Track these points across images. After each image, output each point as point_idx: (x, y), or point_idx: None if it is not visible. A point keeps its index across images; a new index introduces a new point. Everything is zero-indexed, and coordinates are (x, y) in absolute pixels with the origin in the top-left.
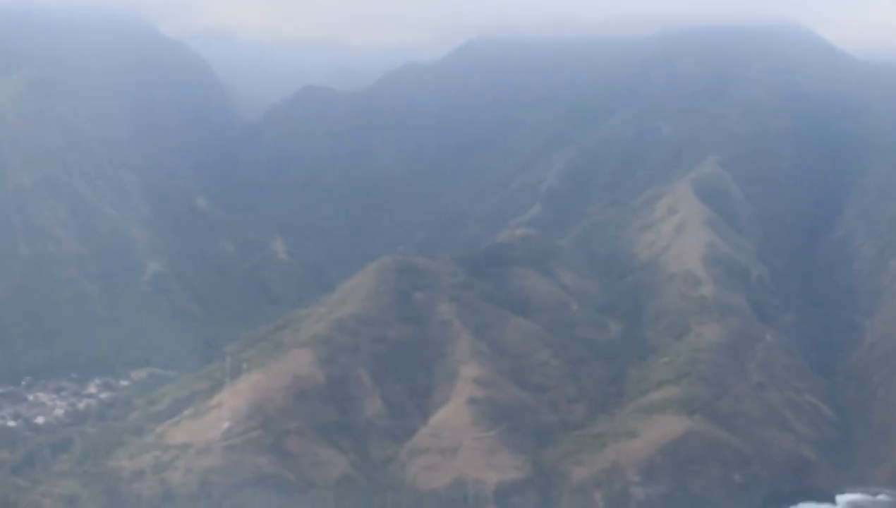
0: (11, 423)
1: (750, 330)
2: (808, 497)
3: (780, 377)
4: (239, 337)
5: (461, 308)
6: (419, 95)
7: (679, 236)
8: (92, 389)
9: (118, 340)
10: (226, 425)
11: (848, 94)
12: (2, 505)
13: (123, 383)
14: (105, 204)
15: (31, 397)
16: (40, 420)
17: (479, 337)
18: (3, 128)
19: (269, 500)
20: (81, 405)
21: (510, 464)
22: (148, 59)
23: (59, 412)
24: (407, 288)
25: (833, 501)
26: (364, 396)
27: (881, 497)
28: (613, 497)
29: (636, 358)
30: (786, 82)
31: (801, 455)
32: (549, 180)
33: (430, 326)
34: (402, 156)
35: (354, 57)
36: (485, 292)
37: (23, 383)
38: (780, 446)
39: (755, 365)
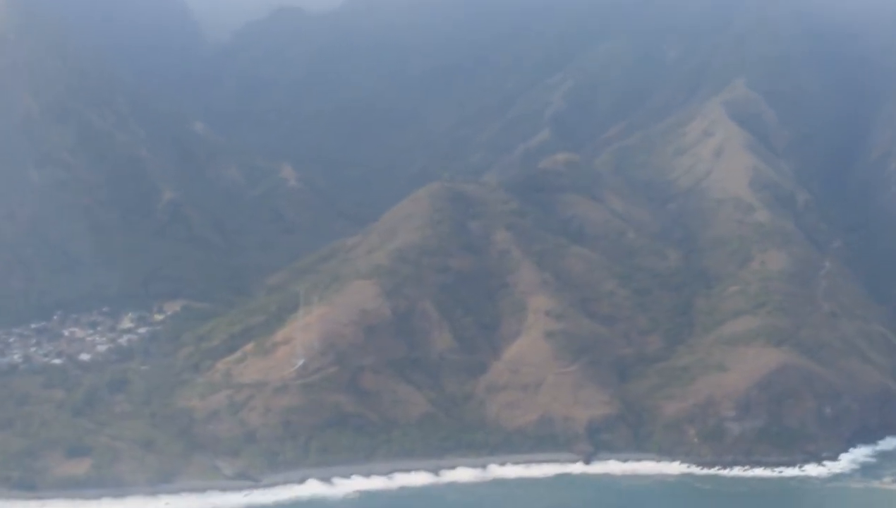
0: (56, 361)
1: (810, 257)
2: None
3: (847, 306)
4: (263, 266)
5: (518, 236)
6: (395, 15)
7: (719, 160)
8: (127, 323)
9: (143, 271)
10: (300, 362)
11: (866, 13)
12: (74, 450)
13: (158, 316)
14: (112, 129)
15: (66, 332)
16: (85, 357)
17: (541, 266)
18: (4, 52)
19: (354, 441)
20: (123, 340)
21: (597, 400)
22: None
23: (101, 348)
24: (461, 216)
25: None
26: (432, 330)
27: None
28: (707, 433)
29: (701, 286)
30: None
31: (887, 388)
32: (555, 104)
33: (489, 256)
34: (383, 79)
35: None
36: (539, 220)
37: (54, 317)
38: (865, 378)
39: (822, 294)
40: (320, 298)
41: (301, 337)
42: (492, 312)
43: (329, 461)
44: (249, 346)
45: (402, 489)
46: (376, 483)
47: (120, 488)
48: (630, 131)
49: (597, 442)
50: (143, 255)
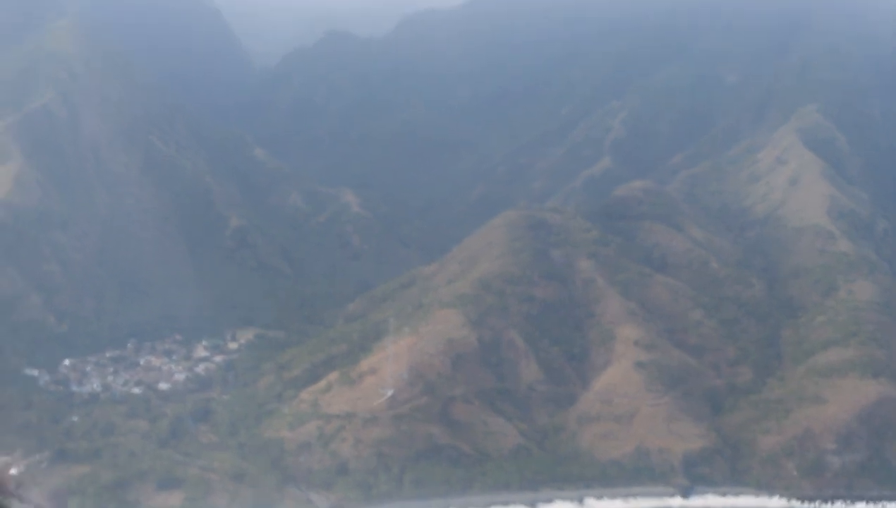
0: (136, 390)
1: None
2: None
3: None
4: (332, 294)
5: (602, 265)
6: (444, 42)
7: (795, 188)
8: (201, 352)
9: (213, 299)
10: (389, 392)
11: None
12: (165, 482)
13: (232, 345)
14: (175, 156)
15: (142, 361)
16: (164, 386)
17: (626, 296)
18: (73, 81)
19: (449, 473)
20: (200, 369)
21: (692, 432)
22: (158, 5)
23: (178, 377)
24: (541, 244)
25: None
26: (519, 360)
27: None
28: (807, 466)
29: (787, 317)
30: (860, 27)
31: None
32: (616, 130)
33: (573, 285)
34: (435, 105)
35: (365, 2)
36: (622, 248)
37: (128, 346)
38: None
39: None
40: (407, 328)
41: (389, 367)
42: (579, 342)
43: (424, 493)
44: (334, 376)
45: None
46: None
47: None
48: (695, 158)
49: (693, 476)
50: (212, 283)
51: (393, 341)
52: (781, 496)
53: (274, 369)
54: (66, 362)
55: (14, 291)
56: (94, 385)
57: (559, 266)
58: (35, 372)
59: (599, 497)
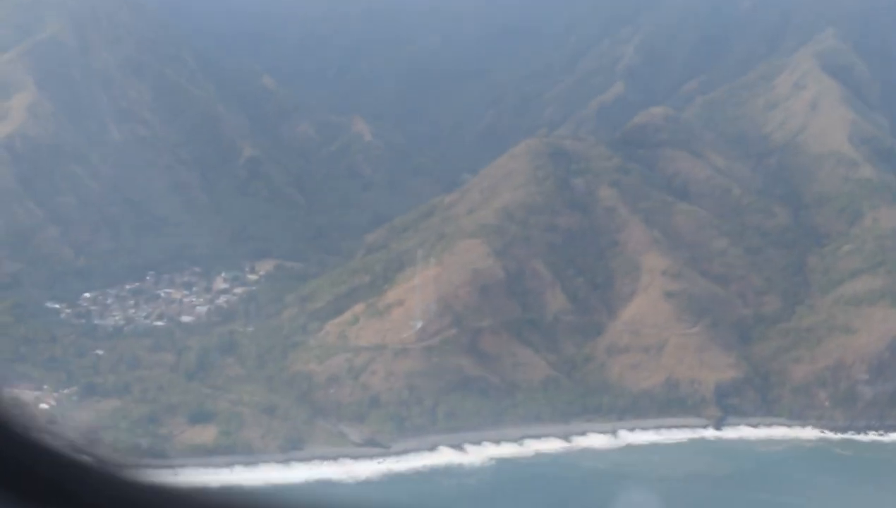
0: (159, 323)
1: None
2: None
3: None
4: (347, 224)
5: (624, 194)
6: None
7: (815, 114)
8: (221, 284)
9: (229, 230)
10: (418, 324)
11: None
12: (196, 416)
13: (252, 276)
14: (186, 84)
15: (161, 293)
16: (187, 319)
17: (649, 224)
18: (79, 5)
19: (480, 405)
20: (221, 301)
21: (723, 362)
22: None
23: (200, 309)
24: (563, 173)
25: None
26: (544, 290)
27: None
28: (839, 396)
29: (812, 245)
30: None
31: None
32: (628, 57)
33: (595, 214)
34: (442, 39)
35: None
36: (643, 176)
37: (147, 278)
38: None
39: None
40: (434, 258)
41: (417, 299)
42: (604, 272)
43: (457, 426)
44: (360, 308)
45: (538, 455)
46: (508, 449)
47: (251, 455)
48: (710, 84)
49: (725, 406)
50: (227, 214)
51: (419, 272)
52: (814, 426)
53: (296, 301)
54: (87, 295)
55: (31, 223)
56: (117, 318)
57: (581, 194)
58: (56, 306)
59: (632, 430)
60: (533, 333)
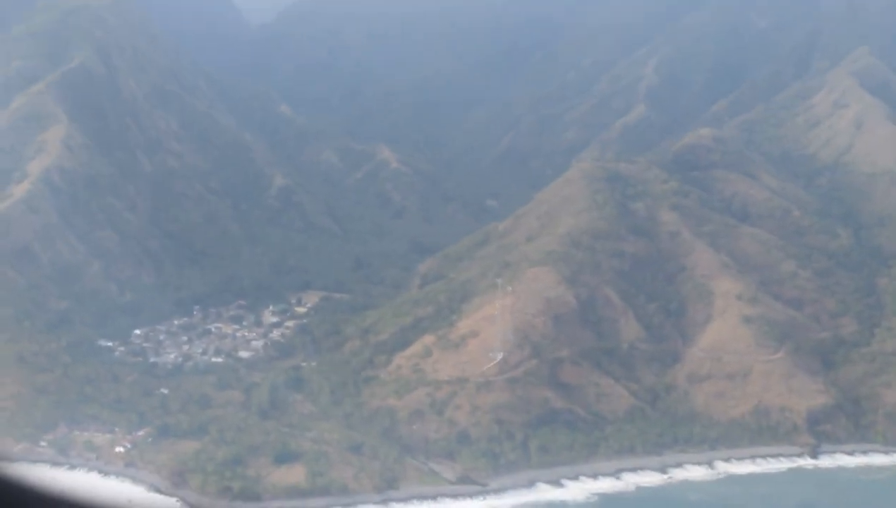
0: (216, 359)
1: None
2: None
3: None
4: (384, 252)
5: (685, 217)
6: None
7: (860, 133)
8: (270, 317)
9: (268, 261)
10: (499, 356)
11: None
12: (281, 456)
13: (300, 309)
14: (210, 112)
15: (212, 328)
16: (244, 354)
17: (716, 248)
18: (107, 33)
19: (572, 439)
20: (275, 335)
21: (811, 388)
22: None
23: (256, 344)
24: (620, 197)
25: None
26: (617, 317)
27: None
28: None
29: (880, 265)
30: None
31: None
32: (648, 78)
33: (659, 238)
34: (449, 59)
35: None
36: (702, 199)
37: (194, 313)
38: None
39: None
40: (510, 287)
41: (496, 330)
42: (675, 297)
43: (551, 461)
44: (429, 339)
45: (639, 489)
46: (607, 484)
47: (346, 496)
48: (738, 105)
49: (817, 434)
50: (264, 245)
51: (493, 302)
52: None
53: (357, 333)
54: (137, 332)
55: (75, 260)
56: (173, 355)
57: (642, 219)
58: (109, 344)
59: (727, 460)
60: (611, 362)
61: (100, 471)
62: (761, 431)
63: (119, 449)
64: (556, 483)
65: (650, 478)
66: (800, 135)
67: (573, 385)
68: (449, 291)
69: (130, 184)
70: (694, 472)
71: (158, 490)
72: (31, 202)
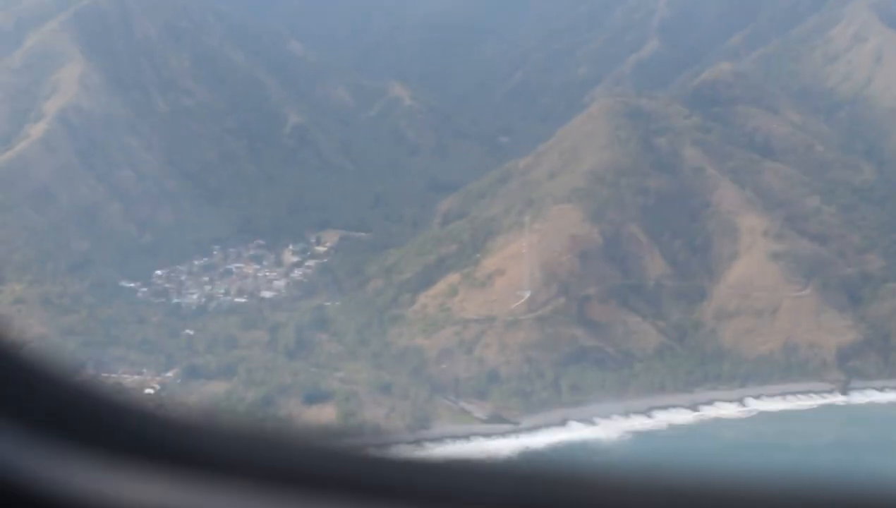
0: (239, 299)
1: None
2: None
3: None
4: (402, 191)
5: (708, 153)
6: None
7: (880, 66)
8: (290, 257)
9: (285, 200)
10: (526, 294)
11: None
12: (311, 397)
13: (319, 248)
14: (223, 50)
15: (233, 268)
16: (267, 294)
17: (740, 184)
18: None
19: (602, 377)
20: (296, 275)
21: (840, 325)
22: None
23: (278, 284)
24: (643, 133)
25: None
26: (643, 255)
27: None
28: None
29: None
30: None
31: None
32: (660, 12)
33: (682, 174)
34: None
35: None
36: (725, 135)
37: (214, 253)
38: None
39: None
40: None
41: (523, 268)
42: (700, 234)
43: (582, 400)
44: (455, 278)
45: (671, 428)
46: (639, 422)
47: (378, 436)
48: (754, 39)
49: (847, 370)
50: (280, 184)
51: (518, 240)
52: None
53: (380, 273)
54: (158, 272)
55: (94, 200)
56: (195, 295)
57: (665, 155)
58: (131, 285)
59: (758, 397)
60: (638, 300)
61: None
62: (791, 368)
63: (148, 391)
64: (589, 421)
65: (682, 416)
66: (818, 69)
67: (601, 323)
68: (472, 229)
69: (146, 123)
70: (725, 410)
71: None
72: (48, 142)
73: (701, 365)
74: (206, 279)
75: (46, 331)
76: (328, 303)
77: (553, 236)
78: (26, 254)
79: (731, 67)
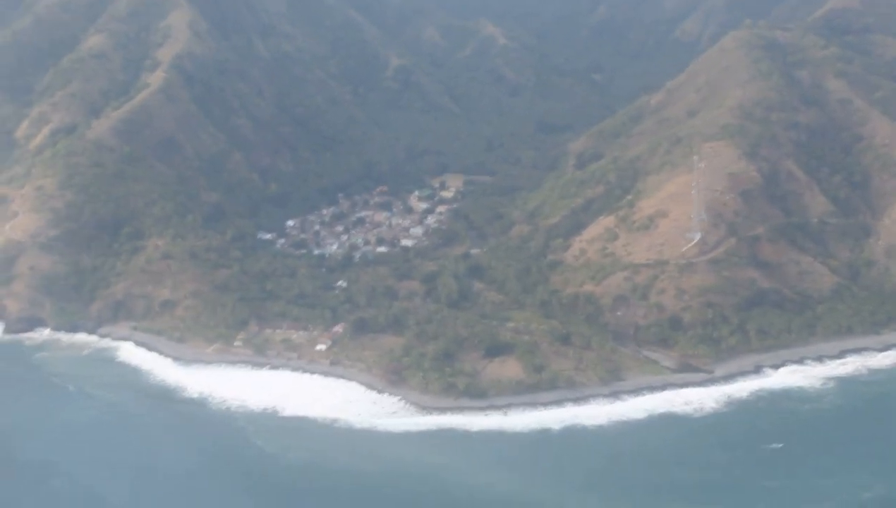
0: (381, 249)
1: None
2: None
3: None
4: (513, 132)
5: (853, 84)
6: None
7: None
8: (418, 203)
9: (400, 145)
10: (697, 236)
11: None
12: (491, 350)
13: (445, 193)
14: None
15: (364, 216)
16: (407, 243)
17: (890, 116)
18: None
19: (788, 321)
20: (430, 222)
21: None
22: None
23: (415, 231)
24: (782, 66)
25: None
26: (803, 192)
27: None
28: None
29: None
30: None
31: None
32: None
33: (830, 107)
34: None
35: None
36: (866, 65)
37: (340, 201)
38: None
39: None
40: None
41: (688, 209)
42: (857, 169)
43: (770, 345)
44: (609, 221)
45: (872, 372)
46: (836, 368)
47: (574, 390)
48: None
49: None
50: (389, 128)
51: (674, 179)
52: None
53: (523, 217)
54: (290, 223)
55: (217, 149)
56: (334, 246)
57: (809, 88)
58: (268, 236)
59: None
60: (804, 239)
61: (304, 370)
62: None
63: (320, 347)
64: (781, 366)
65: (877, 359)
66: None
67: (774, 263)
68: (617, 170)
69: (253, 69)
70: None
71: (375, 389)
72: (168, 91)
73: (882, 305)
74: (340, 229)
75: (200, 287)
76: (474, 251)
77: (712, 175)
78: (164, 208)
79: None
